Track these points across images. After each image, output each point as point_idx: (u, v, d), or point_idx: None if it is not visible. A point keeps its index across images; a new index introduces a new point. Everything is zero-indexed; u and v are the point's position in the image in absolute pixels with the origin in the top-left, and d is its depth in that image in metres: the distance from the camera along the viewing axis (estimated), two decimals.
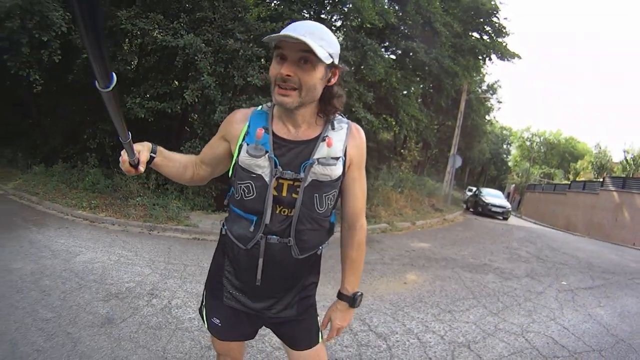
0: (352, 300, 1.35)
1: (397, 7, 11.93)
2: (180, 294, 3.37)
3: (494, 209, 18.51)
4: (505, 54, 14.55)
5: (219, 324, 1.37)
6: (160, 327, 2.70)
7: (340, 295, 1.37)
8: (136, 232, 5.71)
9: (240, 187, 1.20)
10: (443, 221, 12.62)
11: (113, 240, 5.03)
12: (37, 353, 2.23)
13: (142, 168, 1.16)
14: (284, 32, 1.04)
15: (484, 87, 29.36)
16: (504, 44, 14.61)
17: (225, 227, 1.32)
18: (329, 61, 1.07)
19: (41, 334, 2.46)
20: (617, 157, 35.66)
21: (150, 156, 1.21)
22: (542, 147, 53.18)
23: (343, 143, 1.21)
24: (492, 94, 29.96)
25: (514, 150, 55.63)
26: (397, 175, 13.66)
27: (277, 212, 1.19)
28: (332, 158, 1.19)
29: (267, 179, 1.16)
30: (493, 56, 14.86)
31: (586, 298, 4.89)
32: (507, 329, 3.62)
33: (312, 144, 1.19)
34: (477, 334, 3.46)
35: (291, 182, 1.18)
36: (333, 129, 1.22)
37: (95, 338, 2.46)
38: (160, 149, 1.27)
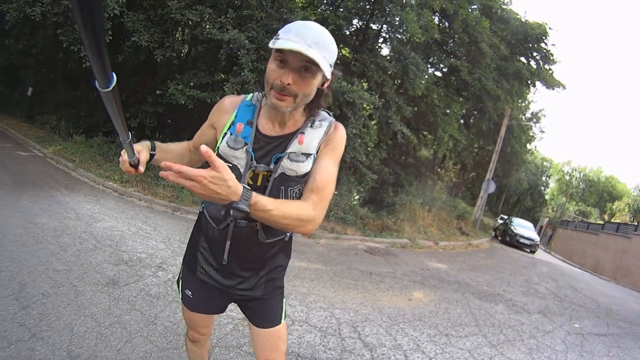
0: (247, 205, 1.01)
1: (446, 24, 11.88)
2: None
3: (522, 240, 18.06)
4: (550, 82, 14.25)
5: (191, 296, 1.44)
6: (159, 297, 2.87)
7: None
8: (160, 211, 5.96)
9: None
10: (468, 246, 12.42)
11: (136, 213, 5.29)
12: (41, 296, 2.47)
13: (142, 168, 1.18)
14: (289, 39, 1.03)
15: (528, 114, 28.52)
16: (550, 72, 14.29)
17: (202, 205, 1.39)
18: (329, 73, 1.10)
19: (49, 281, 2.70)
20: None
21: (150, 154, 1.26)
22: (581, 184, 51.06)
23: (319, 141, 1.23)
24: (535, 123, 29.04)
25: (552, 184, 53.63)
26: (428, 193, 13.61)
27: None
28: (303, 154, 1.21)
29: (242, 170, 1.21)
30: (538, 83, 14.56)
31: (595, 345, 4.61)
32: None
33: (289, 138, 1.22)
34: None
35: (266, 173, 1.22)
36: (312, 126, 1.24)
37: (96, 294, 2.67)
38: (158, 144, 1.31)
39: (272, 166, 1.21)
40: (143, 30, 7.14)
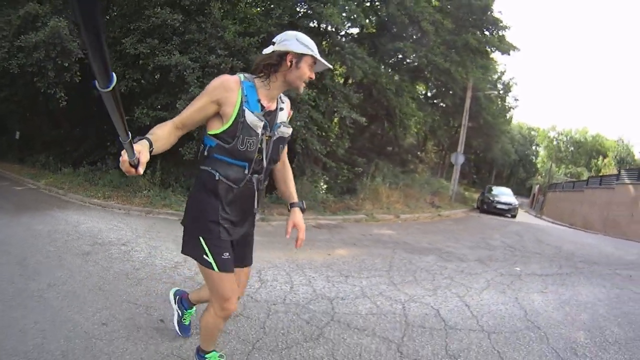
0: (303, 204, 1.87)
1: (382, 9, 12.12)
2: (144, 246, 4.64)
3: (499, 206, 18.35)
4: (502, 48, 14.52)
5: (229, 256, 1.66)
6: (117, 258, 4.04)
7: (296, 204, 1.85)
8: (135, 215, 7.02)
9: (248, 141, 1.59)
10: (436, 217, 12.37)
11: (114, 217, 6.42)
12: (36, 263, 3.66)
13: (141, 169, 1.16)
14: (317, 52, 1.65)
15: (500, 85, 29.14)
16: (499, 36, 14.53)
17: (218, 173, 1.63)
18: None
19: (43, 254, 3.91)
20: None
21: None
22: (569, 147, 51.60)
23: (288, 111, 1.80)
24: (506, 92, 29.63)
25: (542, 151, 54.21)
26: (386, 171, 13.93)
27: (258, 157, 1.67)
28: (289, 122, 1.78)
29: (260, 135, 1.62)
30: (489, 50, 14.88)
31: (530, 284, 4.27)
32: (391, 296, 3.41)
33: (275, 112, 1.70)
34: (353, 293, 3.43)
35: (267, 138, 1.67)
36: (283, 102, 1.76)
37: (75, 260, 3.88)
38: (153, 139, 1.37)
39: (274, 132, 1.68)
40: None
